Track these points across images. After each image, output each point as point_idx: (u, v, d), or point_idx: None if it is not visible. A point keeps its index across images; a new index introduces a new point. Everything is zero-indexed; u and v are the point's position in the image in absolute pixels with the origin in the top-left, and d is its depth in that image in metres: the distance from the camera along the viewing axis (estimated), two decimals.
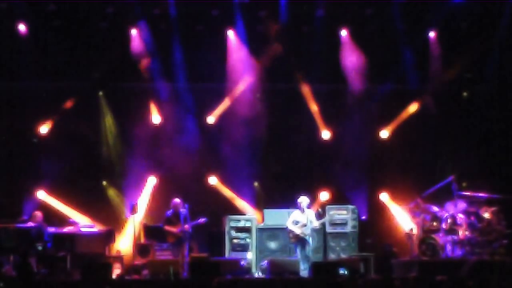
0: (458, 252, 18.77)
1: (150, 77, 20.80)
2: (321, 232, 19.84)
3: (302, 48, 20.87)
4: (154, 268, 17.65)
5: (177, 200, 19.10)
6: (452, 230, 18.83)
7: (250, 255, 19.86)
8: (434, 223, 19.10)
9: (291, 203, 19.37)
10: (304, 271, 18.22)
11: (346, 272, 16.25)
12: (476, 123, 21.10)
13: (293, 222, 18.88)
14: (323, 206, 20.19)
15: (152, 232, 19.94)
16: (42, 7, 20.02)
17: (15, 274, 16.55)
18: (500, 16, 20.57)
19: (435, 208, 19.26)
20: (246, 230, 20.06)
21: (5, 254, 18.33)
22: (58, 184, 20.61)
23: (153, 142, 20.85)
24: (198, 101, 21.17)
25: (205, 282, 14.44)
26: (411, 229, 19.55)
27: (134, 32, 20.54)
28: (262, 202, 20.89)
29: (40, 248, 18.64)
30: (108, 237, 19.69)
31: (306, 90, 21.17)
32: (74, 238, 19.22)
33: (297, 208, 18.95)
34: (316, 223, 18.95)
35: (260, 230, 20.08)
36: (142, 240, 20.12)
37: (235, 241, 20.01)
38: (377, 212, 20.91)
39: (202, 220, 18.99)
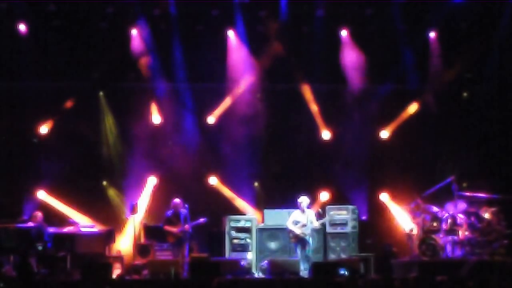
0: (458, 252, 18.78)
1: (150, 77, 20.80)
2: (321, 232, 19.84)
3: (302, 48, 20.86)
4: (154, 268, 17.66)
5: (177, 200, 19.10)
6: (452, 231, 18.84)
7: (250, 255, 19.86)
8: (434, 224, 19.10)
9: (291, 203, 19.37)
10: (304, 271, 18.23)
11: (346, 272, 16.23)
12: (476, 123, 21.08)
13: (293, 222, 18.88)
14: (323, 206, 20.19)
15: (152, 232, 19.95)
16: (42, 7, 20.03)
17: (15, 274, 16.54)
18: (500, 16, 20.57)
19: (435, 209, 19.26)
20: (246, 230, 20.06)
21: (5, 254, 18.33)
22: (58, 184, 20.60)
23: (153, 142, 20.84)
24: (198, 101, 21.18)
25: (205, 282, 14.42)
26: (411, 230, 19.55)
27: (134, 32, 20.54)
28: (262, 202, 20.88)
29: (40, 248, 18.63)
30: (108, 237, 19.70)
31: (306, 90, 21.16)
32: (74, 238, 19.24)
33: (297, 208, 18.96)
34: (316, 223, 18.95)
35: (260, 230, 20.08)
36: (142, 240, 20.12)
37: (235, 241, 20.01)
38: (377, 212, 20.90)
39: (202, 220, 19.00)
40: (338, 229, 19.99)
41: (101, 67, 20.77)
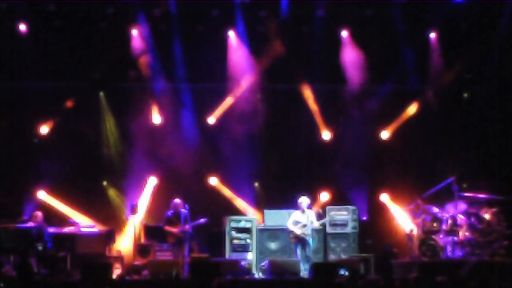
0: (458, 253, 18.79)
1: (151, 77, 20.79)
2: (321, 233, 19.84)
3: (302, 48, 20.86)
4: (154, 268, 17.68)
5: (177, 200, 19.10)
6: (452, 231, 18.85)
7: (250, 256, 19.86)
8: (435, 224, 19.12)
9: (291, 204, 19.37)
10: (304, 271, 18.22)
11: (346, 273, 16.24)
12: (476, 123, 21.09)
13: (293, 222, 18.88)
14: (324, 206, 20.20)
15: (153, 232, 19.95)
16: (42, 7, 20.02)
17: (15, 274, 16.51)
18: (500, 16, 20.57)
19: (436, 209, 19.27)
20: (247, 230, 20.06)
21: (5, 254, 18.32)
22: (58, 184, 20.59)
23: (154, 142, 20.83)
24: (198, 101, 21.17)
25: (205, 283, 14.43)
26: (412, 230, 19.57)
27: (134, 32, 20.53)
28: (262, 203, 20.87)
29: (40, 248, 18.64)
30: (109, 237, 19.69)
31: (306, 90, 21.16)
32: (74, 238, 19.24)
33: (298, 208, 18.96)
34: (317, 224, 18.95)
35: (261, 231, 20.07)
36: (143, 240, 20.11)
37: (235, 241, 20.01)
38: (378, 212, 20.91)
39: (202, 220, 19.00)
40: (338, 230, 19.99)
41: (101, 67, 20.76)
